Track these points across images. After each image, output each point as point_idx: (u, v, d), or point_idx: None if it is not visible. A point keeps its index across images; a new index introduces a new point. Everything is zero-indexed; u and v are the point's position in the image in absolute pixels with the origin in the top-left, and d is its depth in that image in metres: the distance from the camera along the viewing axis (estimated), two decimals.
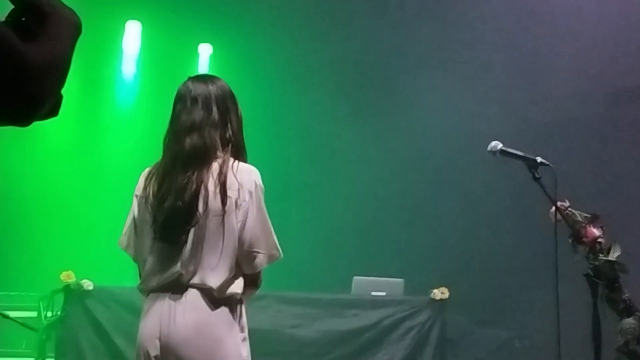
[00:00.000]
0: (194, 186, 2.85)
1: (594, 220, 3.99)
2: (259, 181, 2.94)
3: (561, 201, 3.97)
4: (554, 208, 3.91)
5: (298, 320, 5.63)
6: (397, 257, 7.48)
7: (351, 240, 7.97)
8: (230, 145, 2.96)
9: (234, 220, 2.86)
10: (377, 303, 5.98)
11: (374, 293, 6.09)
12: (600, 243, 3.93)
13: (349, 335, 5.76)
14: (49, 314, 5.72)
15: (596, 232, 3.95)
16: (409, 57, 7.72)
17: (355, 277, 6.16)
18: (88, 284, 5.36)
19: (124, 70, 8.66)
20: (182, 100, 3.00)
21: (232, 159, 2.93)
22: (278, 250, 2.95)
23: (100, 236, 6.85)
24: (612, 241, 3.97)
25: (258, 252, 2.89)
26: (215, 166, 2.90)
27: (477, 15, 7.42)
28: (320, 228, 8.23)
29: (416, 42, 7.71)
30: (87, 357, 5.29)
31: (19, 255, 7.36)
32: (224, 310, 2.90)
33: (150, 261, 2.94)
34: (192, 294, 2.87)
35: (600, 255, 3.91)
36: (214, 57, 8.76)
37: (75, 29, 1.41)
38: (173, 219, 2.86)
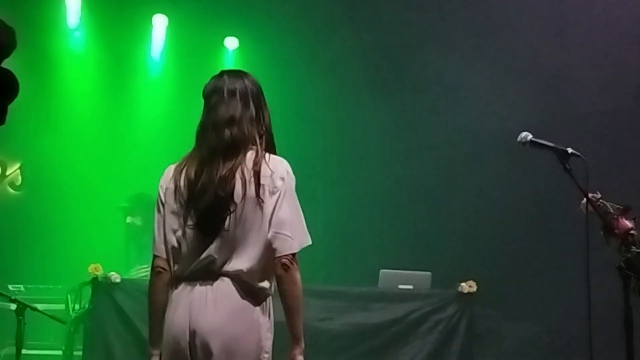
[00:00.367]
0: (234, 177, 2.91)
1: (626, 212, 3.93)
2: (290, 171, 3.03)
3: (592, 193, 3.92)
4: (585, 200, 3.86)
5: (325, 313, 5.60)
6: (424, 250, 7.43)
7: (378, 233, 7.94)
8: (262, 139, 3.05)
9: (266, 207, 2.92)
10: (404, 296, 5.95)
11: (401, 286, 6.05)
12: (632, 235, 3.87)
13: (377, 328, 5.73)
14: (77, 306, 5.75)
15: (628, 223, 3.89)
16: (435, 45, 7.64)
17: (383, 270, 6.12)
18: (115, 277, 5.37)
19: (150, 67, 8.70)
20: (219, 93, 3.06)
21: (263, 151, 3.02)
22: (307, 235, 3.00)
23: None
24: None
25: (288, 236, 2.93)
26: (249, 156, 2.97)
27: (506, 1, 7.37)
28: (346, 221, 8.21)
29: (443, 30, 7.65)
30: (115, 349, 5.31)
31: (48, 248, 7.42)
32: (254, 301, 2.92)
33: (179, 249, 2.96)
34: (224, 283, 2.92)
35: (633, 247, 3.85)
36: (239, 51, 8.76)
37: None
38: (215, 208, 2.91)
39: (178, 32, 8.54)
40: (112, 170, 8.05)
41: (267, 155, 2.99)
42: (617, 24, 6.95)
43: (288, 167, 3.02)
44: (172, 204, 3.01)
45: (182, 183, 2.99)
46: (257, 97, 3.09)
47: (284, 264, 2.91)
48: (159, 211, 3.07)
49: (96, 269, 5.35)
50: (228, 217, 2.90)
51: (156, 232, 3.07)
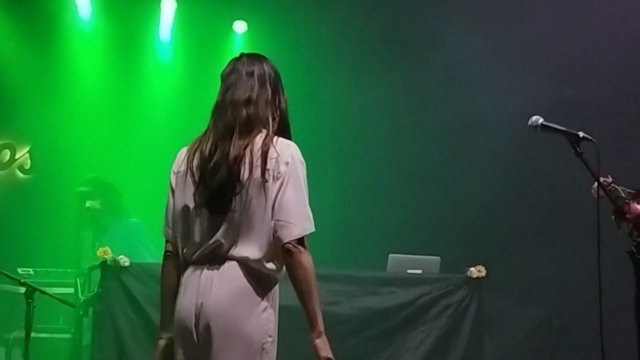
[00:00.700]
0: (244, 156, 2.92)
1: (637, 196, 3.93)
2: (297, 155, 3.00)
3: (604, 177, 3.90)
4: (596, 184, 3.85)
5: (334, 297, 5.59)
6: (433, 234, 7.42)
7: (387, 217, 7.92)
8: (277, 123, 3.05)
9: (270, 191, 2.91)
10: (413, 281, 5.93)
11: (410, 271, 6.05)
12: None
13: (385, 312, 5.72)
14: (86, 290, 5.76)
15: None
16: (449, 25, 7.58)
17: (391, 255, 6.11)
18: (124, 260, 5.37)
19: (159, 52, 8.69)
20: (238, 73, 3.09)
21: (274, 135, 3.01)
22: (310, 222, 2.97)
23: (139, 217, 6.88)
24: None
25: (290, 223, 2.90)
26: (259, 138, 2.97)
27: None
28: (355, 206, 8.19)
29: (458, 10, 7.58)
30: (124, 333, 5.32)
31: (57, 232, 7.43)
32: (258, 285, 2.93)
33: (190, 233, 2.98)
34: (229, 266, 2.93)
35: None
36: (247, 34, 8.74)
37: None
38: (225, 187, 2.92)
39: (187, 15, 8.53)
40: (121, 153, 8.07)
41: (275, 138, 2.98)
42: (633, 7, 6.89)
43: (295, 151, 3.00)
44: (182, 187, 3.02)
45: (195, 163, 3.01)
46: (274, 81, 3.11)
47: (287, 250, 2.90)
48: (170, 195, 3.09)
49: (105, 253, 5.35)
50: (234, 199, 2.90)
51: (167, 216, 3.11)
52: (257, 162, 2.91)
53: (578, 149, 3.70)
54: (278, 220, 2.90)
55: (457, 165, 7.78)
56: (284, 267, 2.98)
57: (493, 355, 6.02)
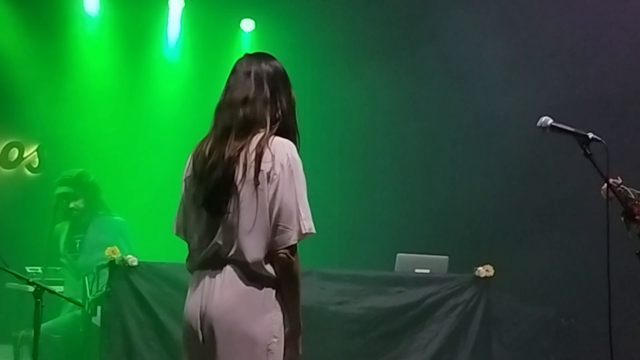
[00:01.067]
0: (238, 157, 2.91)
1: None
2: (293, 154, 2.97)
3: (613, 178, 3.88)
4: (605, 185, 3.83)
5: (342, 297, 5.59)
6: (441, 234, 7.40)
7: (395, 217, 7.91)
8: (277, 124, 3.02)
9: (266, 193, 2.89)
10: (421, 280, 5.94)
11: (417, 270, 6.04)
12: None
13: (393, 312, 5.72)
14: (94, 289, 5.76)
15: None
16: (459, 23, 7.56)
17: (399, 254, 6.11)
18: (133, 260, 5.37)
19: (167, 50, 8.69)
20: (237, 74, 3.09)
21: (272, 135, 2.98)
22: (310, 222, 2.94)
23: (146, 215, 6.88)
24: None
25: (287, 228, 2.89)
26: (255, 139, 2.95)
27: None
28: (363, 204, 8.19)
29: (467, 11, 7.56)
30: (132, 332, 5.32)
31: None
32: (259, 287, 2.93)
33: (195, 238, 3.00)
34: (231, 269, 2.93)
35: None
36: (255, 33, 8.74)
37: None
38: (220, 187, 2.92)
39: (194, 13, 8.53)
40: (129, 151, 8.08)
41: (270, 138, 2.96)
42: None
43: (291, 149, 2.97)
44: (190, 190, 3.06)
45: (197, 165, 3.03)
46: (274, 79, 3.07)
47: (281, 259, 2.91)
48: (181, 201, 3.13)
49: (113, 252, 5.35)
50: (229, 200, 2.90)
51: (177, 221, 3.16)
52: (251, 163, 2.90)
53: (587, 150, 3.68)
54: (277, 225, 2.90)
55: (465, 165, 7.76)
56: None
57: (501, 355, 6.01)
